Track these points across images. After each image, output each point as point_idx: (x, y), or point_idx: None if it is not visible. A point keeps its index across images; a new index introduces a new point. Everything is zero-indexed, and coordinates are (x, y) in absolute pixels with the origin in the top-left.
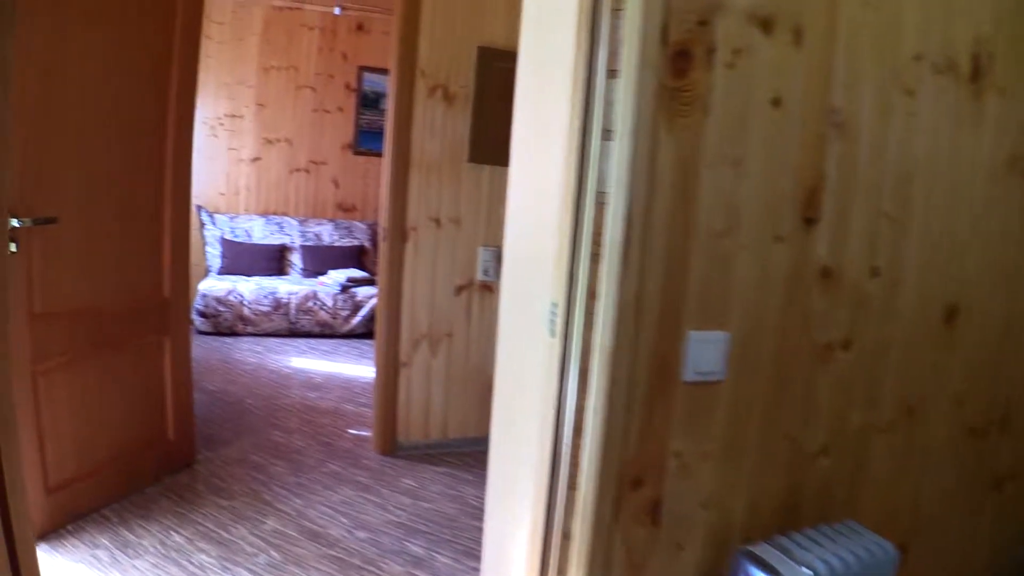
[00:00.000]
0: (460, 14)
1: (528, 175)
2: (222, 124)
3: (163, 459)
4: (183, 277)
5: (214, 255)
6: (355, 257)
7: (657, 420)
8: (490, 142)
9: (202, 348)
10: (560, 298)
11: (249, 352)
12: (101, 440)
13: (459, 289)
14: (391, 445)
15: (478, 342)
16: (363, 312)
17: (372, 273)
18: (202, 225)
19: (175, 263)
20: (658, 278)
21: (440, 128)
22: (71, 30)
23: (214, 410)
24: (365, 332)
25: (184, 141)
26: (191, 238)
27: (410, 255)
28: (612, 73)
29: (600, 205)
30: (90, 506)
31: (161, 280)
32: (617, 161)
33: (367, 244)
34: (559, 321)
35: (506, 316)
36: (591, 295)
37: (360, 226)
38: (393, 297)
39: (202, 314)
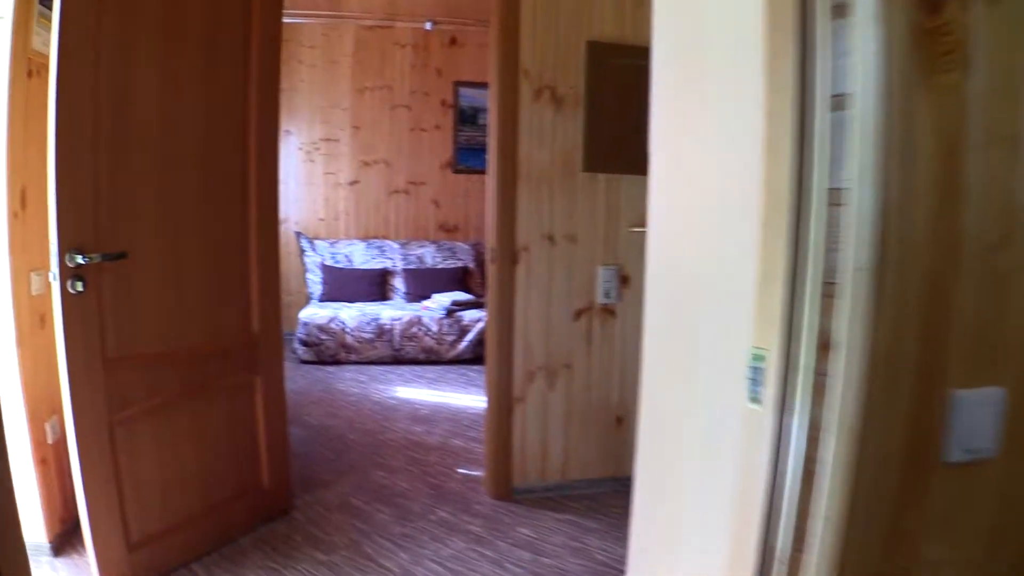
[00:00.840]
0: (565, 7)
1: (685, 177)
2: (318, 149)
3: (257, 507)
4: (274, 311)
5: (315, 282)
6: (459, 279)
7: (909, 521)
8: (606, 148)
9: (304, 379)
10: (771, 348)
11: (352, 382)
12: (189, 490)
13: (578, 314)
14: (505, 488)
15: (600, 372)
16: (469, 337)
17: (477, 295)
18: (302, 252)
19: (264, 296)
20: (917, 316)
21: (549, 135)
22: (144, 54)
23: (314, 447)
24: (472, 358)
25: (269, 166)
26: (290, 266)
27: (522, 278)
28: (838, 11)
29: (833, 207)
30: (178, 561)
31: (250, 315)
32: (859, 140)
33: (471, 265)
34: (771, 383)
35: (653, 350)
36: (824, 345)
37: (463, 247)
38: (504, 325)
39: (304, 343)
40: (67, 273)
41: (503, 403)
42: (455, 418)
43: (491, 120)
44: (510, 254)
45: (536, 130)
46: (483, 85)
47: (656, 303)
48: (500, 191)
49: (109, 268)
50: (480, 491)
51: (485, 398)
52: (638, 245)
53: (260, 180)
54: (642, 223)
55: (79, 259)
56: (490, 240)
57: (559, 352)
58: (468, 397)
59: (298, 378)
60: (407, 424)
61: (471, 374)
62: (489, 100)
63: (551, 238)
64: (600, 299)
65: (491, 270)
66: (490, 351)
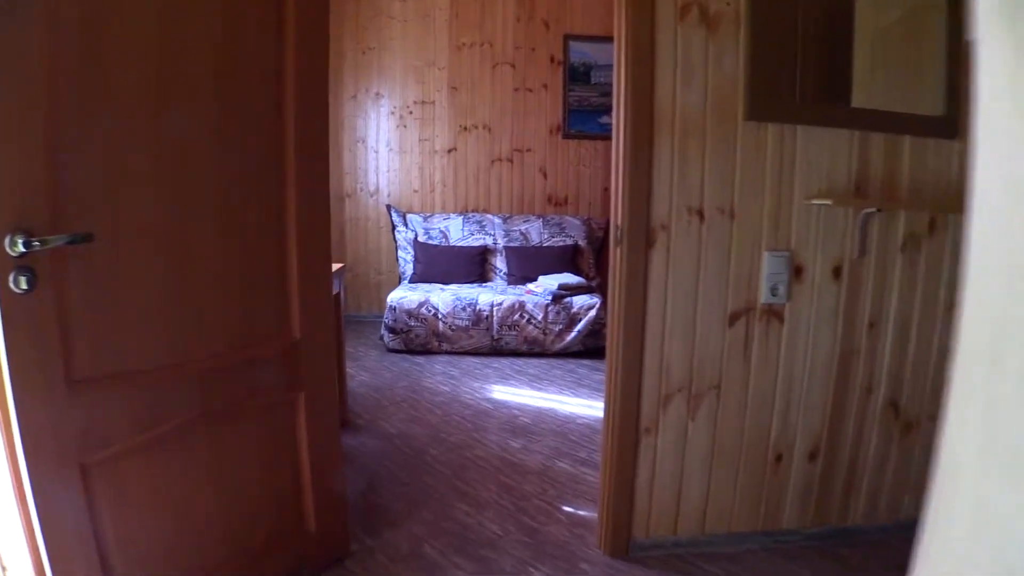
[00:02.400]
0: None
1: None
2: (411, 113)
3: (300, 556)
4: (322, 306)
5: (407, 260)
6: (568, 260)
7: None
8: (778, 87)
9: (388, 372)
10: None
11: (442, 377)
12: (206, 543)
13: (733, 318)
14: (624, 542)
15: (758, 397)
16: (579, 327)
17: (589, 279)
18: (393, 227)
19: (308, 291)
20: None
21: (699, 70)
22: None
23: (386, 465)
24: (581, 351)
25: (314, 124)
26: (381, 242)
27: (658, 266)
28: None
29: None
30: None
31: (289, 316)
32: None
33: (582, 243)
34: None
35: (977, 363)
36: None
37: (574, 222)
38: (633, 330)
39: (391, 329)
40: (7, 266)
41: (627, 434)
42: (561, 430)
43: (618, 51)
44: (643, 234)
45: (680, 63)
46: (597, 39)
47: (983, 316)
48: (631, 148)
49: (76, 256)
50: (590, 542)
51: (600, 408)
52: (819, 223)
53: (301, 124)
54: (825, 192)
55: (22, 245)
56: (616, 215)
57: (706, 369)
58: (577, 402)
59: (382, 370)
60: (502, 436)
61: (580, 371)
62: (615, 23)
63: (699, 212)
64: (764, 297)
65: (615, 255)
66: (612, 364)
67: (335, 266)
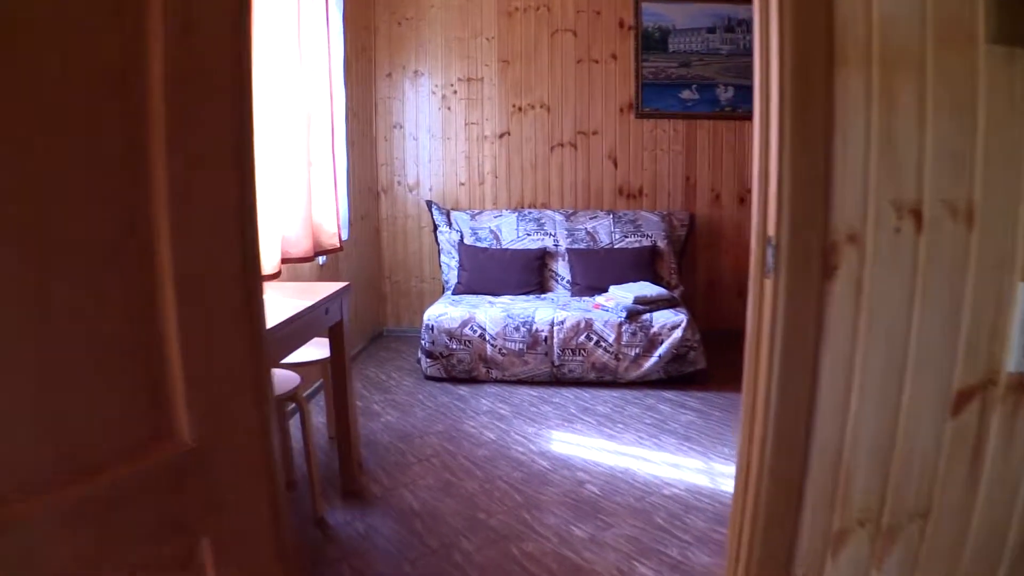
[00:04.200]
0: None
1: None
2: (456, 92)
3: None
4: (242, 390)
5: (450, 267)
6: (645, 264)
7: None
8: None
9: (422, 408)
10: None
11: (488, 417)
12: None
13: (961, 399)
14: None
15: (994, 535)
16: (660, 351)
17: (670, 287)
18: (435, 227)
19: (210, 364)
20: None
21: None
22: None
23: (399, 567)
24: (661, 379)
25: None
26: (421, 245)
27: (840, 310)
28: None
29: None
30: None
31: (168, 409)
32: None
33: (661, 244)
34: None
35: None
36: None
37: (651, 218)
38: (789, 423)
39: (428, 354)
40: None
41: None
42: (642, 506)
43: None
44: (816, 254)
45: None
46: None
47: None
48: (791, 98)
49: None
50: None
51: (692, 467)
52: None
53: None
54: None
55: None
56: (763, 220)
57: (908, 486)
58: (661, 458)
59: (414, 407)
60: (562, 518)
61: (662, 408)
62: None
63: (915, 213)
64: (1015, 363)
65: (760, 290)
66: (746, 472)
67: (337, 286)
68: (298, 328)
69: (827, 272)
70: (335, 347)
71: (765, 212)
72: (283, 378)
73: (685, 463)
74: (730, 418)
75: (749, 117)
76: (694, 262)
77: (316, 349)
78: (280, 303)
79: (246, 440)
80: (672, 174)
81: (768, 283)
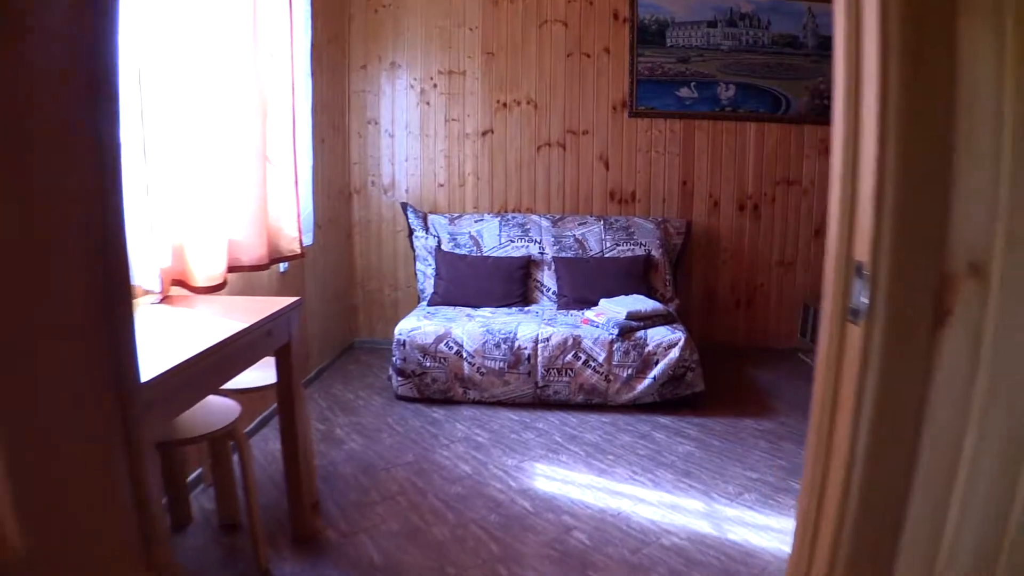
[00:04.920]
0: None
1: None
2: (436, 86)
3: None
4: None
5: (427, 276)
6: (638, 275)
7: None
8: None
9: (391, 435)
10: None
11: (464, 446)
12: None
13: None
14: None
15: None
16: (654, 373)
17: (664, 300)
18: (410, 232)
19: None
20: None
21: None
22: None
23: None
24: (657, 403)
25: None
26: (396, 250)
27: (951, 367)
28: None
29: None
30: None
31: None
32: None
33: (655, 253)
34: None
35: None
36: None
37: (644, 225)
38: (875, 502)
39: (400, 372)
40: None
41: None
42: (637, 560)
43: None
44: (926, 290)
45: None
46: None
47: None
48: (900, 56)
49: None
50: None
51: (696, 511)
52: None
53: None
54: None
55: None
56: (845, 241)
57: None
58: (658, 497)
59: (382, 432)
60: (545, 574)
61: (657, 435)
62: None
63: None
64: None
65: (839, 337)
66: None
67: (284, 301)
68: (228, 356)
69: (940, 316)
70: (282, 373)
71: (852, 227)
72: (219, 410)
73: (685, 504)
74: (731, 449)
75: (751, 118)
76: (689, 273)
77: (270, 372)
78: (212, 324)
79: (95, 541)
80: (668, 178)
81: (854, 329)
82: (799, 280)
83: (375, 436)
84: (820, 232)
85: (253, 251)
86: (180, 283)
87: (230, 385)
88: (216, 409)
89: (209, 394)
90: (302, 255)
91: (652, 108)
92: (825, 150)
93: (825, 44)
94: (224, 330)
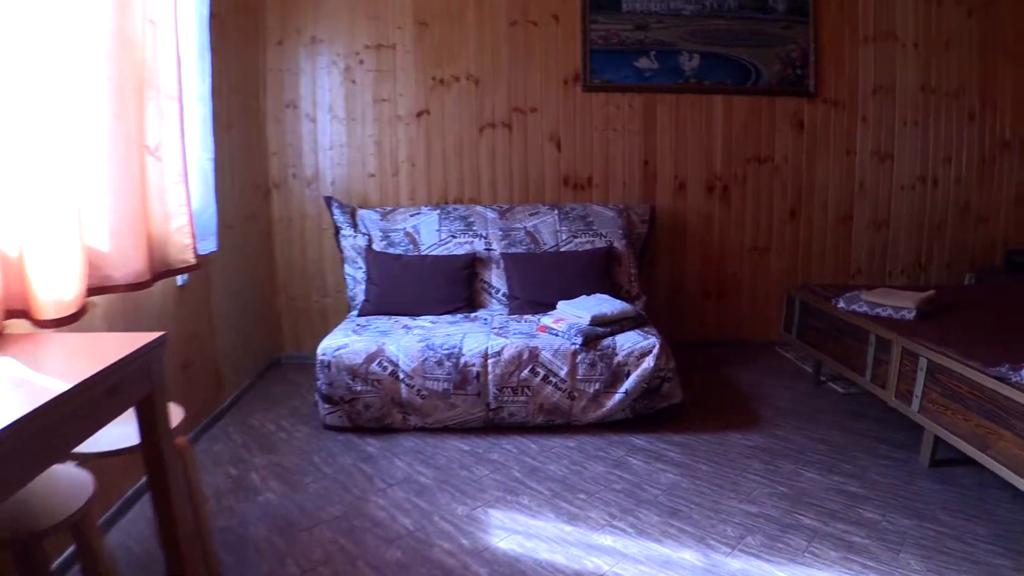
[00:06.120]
0: None
1: None
2: (362, 62)
3: None
4: None
5: (356, 280)
6: (600, 271)
7: None
8: None
9: (316, 479)
10: None
11: (404, 490)
12: None
13: None
14: None
15: None
16: (626, 386)
17: (631, 298)
18: (336, 230)
19: None
20: None
21: None
22: None
23: None
24: (628, 418)
25: None
26: (322, 252)
27: None
28: None
29: None
30: None
31: None
32: None
33: (618, 244)
34: None
35: None
36: None
37: (604, 213)
38: None
39: (327, 398)
40: None
41: None
42: None
43: None
44: None
45: None
46: None
47: None
48: None
49: None
50: None
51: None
52: None
53: None
54: None
55: None
56: None
57: None
58: (642, 550)
59: (305, 476)
60: None
61: (634, 462)
62: None
63: None
64: None
65: None
66: None
67: (137, 342)
68: (49, 430)
69: None
70: (147, 433)
71: None
72: (62, 489)
73: (678, 558)
74: (721, 475)
75: (717, 90)
76: (654, 263)
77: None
78: (38, 384)
79: None
80: (628, 159)
81: None
82: (774, 266)
83: (297, 482)
84: (795, 213)
85: (128, 265)
86: (21, 314)
87: (86, 448)
88: (60, 488)
89: (23, 485)
90: (198, 265)
91: (608, 81)
92: (799, 124)
93: (797, 8)
94: (36, 397)
